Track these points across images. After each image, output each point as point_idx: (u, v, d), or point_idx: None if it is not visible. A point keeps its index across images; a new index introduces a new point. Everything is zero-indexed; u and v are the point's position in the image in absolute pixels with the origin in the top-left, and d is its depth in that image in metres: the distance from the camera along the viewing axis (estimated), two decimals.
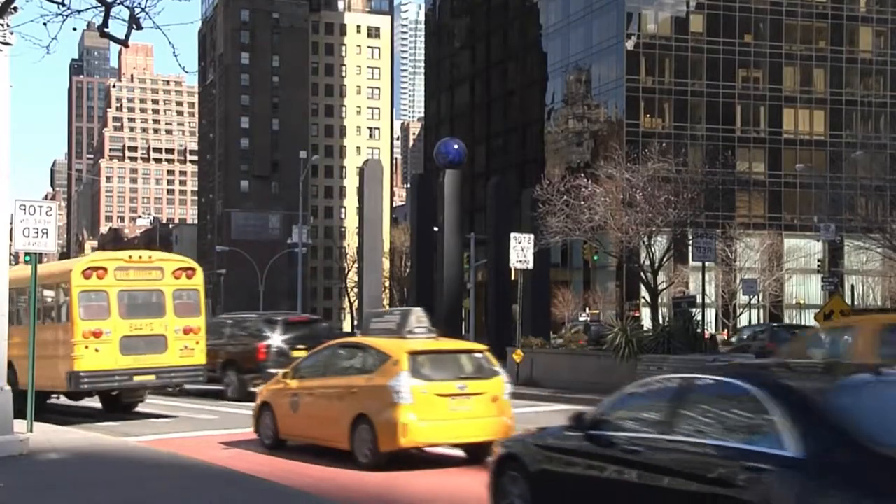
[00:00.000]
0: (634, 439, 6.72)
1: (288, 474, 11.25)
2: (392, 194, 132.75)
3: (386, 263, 79.50)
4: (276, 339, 22.28)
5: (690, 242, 41.42)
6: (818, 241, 55.58)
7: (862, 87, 79.69)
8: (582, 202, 38.99)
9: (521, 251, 27.12)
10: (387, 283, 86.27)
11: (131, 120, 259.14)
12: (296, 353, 19.25)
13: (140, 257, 18.69)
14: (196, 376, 18.78)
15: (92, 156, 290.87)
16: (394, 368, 11.91)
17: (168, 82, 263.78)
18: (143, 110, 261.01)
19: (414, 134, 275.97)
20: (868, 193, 46.24)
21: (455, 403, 11.98)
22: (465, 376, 12.39)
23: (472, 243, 51.93)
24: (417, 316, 13.28)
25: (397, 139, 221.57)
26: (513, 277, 34.78)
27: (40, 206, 14.31)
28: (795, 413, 5.76)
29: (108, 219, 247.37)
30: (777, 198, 77.56)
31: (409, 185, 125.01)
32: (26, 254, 15.56)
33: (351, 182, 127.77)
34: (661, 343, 26.28)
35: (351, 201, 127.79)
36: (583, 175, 44.50)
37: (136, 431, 16.04)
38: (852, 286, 58.62)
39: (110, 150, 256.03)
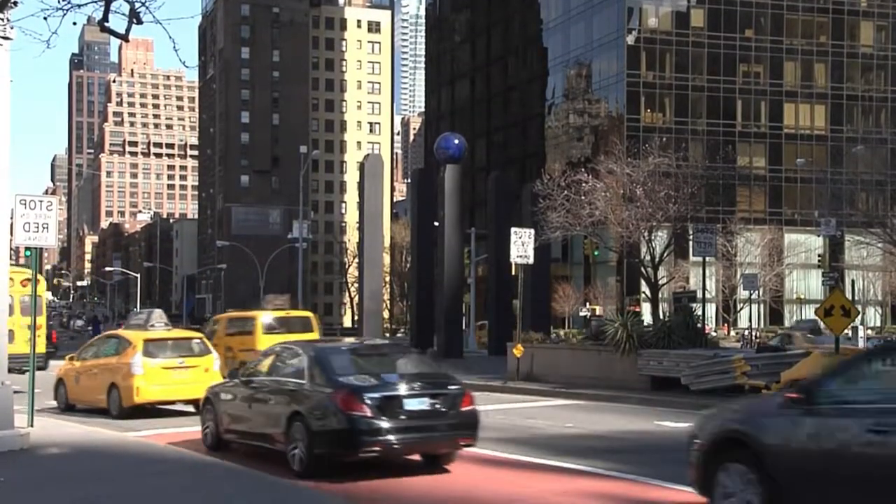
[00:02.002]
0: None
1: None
2: (392, 189, 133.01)
3: (386, 258, 79.64)
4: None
5: (691, 237, 41.59)
6: (819, 236, 55.74)
7: (863, 82, 79.57)
8: (582, 197, 38.70)
9: (522, 246, 26.95)
10: (387, 278, 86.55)
11: (132, 115, 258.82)
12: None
13: None
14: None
15: (92, 151, 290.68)
16: (132, 351, 17.70)
17: (168, 77, 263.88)
18: (143, 105, 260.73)
19: (414, 129, 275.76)
20: (869, 188, 45.91)
21: (176, 374, 17.69)
22: (184, 355, 18.18)
23: (472, 238, 51.90)
24: (157, 315, 19.70)
25: (398, 134, 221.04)
26: (513, 272, 35.22)
27: (40, 201, 14.38)
28: (310, 363, 11.52)
29: (109, 214, 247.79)
30: (777, 193, 77.45)
31: (409, 180, 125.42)
32: (26, 248, 15.86)
33: (351, 177, 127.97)
34: (661, 338, 26.32)
35: (351, 196, 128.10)
36: (583, 170, 44.13)
37: (137, 426, 16.03)
38: (853, 281, 58.32)
39: (110, 145, 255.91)
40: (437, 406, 11.02)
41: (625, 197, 38.96)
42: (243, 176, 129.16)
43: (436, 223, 46.74)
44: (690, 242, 42.34)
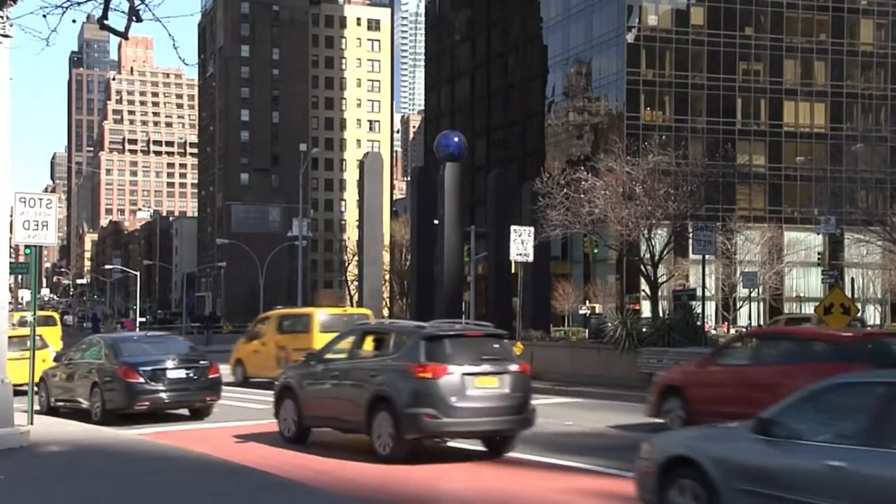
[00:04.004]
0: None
1: (294, 468, 11.26)
2: (392, 187, 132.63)
3: (386, 256, 79.46)
4: None
5: (690, 235, 41.65)
6: (818, 233, 55.72)
7: (863, 80, 79.59)
8: (582, 195, 38.73)
9: (522, 244, 27.09)
10: (387, 276, 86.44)
11: (131, 113, 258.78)
12: None
13: None
14: None
15: (92, 149, 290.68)
16: None
17: (168, 75, 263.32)
18: (143, 103, 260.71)
19: (414, 127, 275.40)
20: (868, 186, 45.67)
21: (20, 364, 18.02)
22: (26, 349, 18.28)
23: (472, 236, 51.96)
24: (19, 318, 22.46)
25: (397, 132, 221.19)
26: (513, 270, 34.67)
27: (40, 199, 14.40)
28: (106, 349, 17.10)
29: (108, 212, 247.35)
30: (777, 191, 77.49)
31: (409, 178, 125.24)
32: (26, 246, 15.98)
33: (351, 175, 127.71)
34: (661, 336, 26.27)
35: (351, 194, 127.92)
36: (583, 168, 44.02)
37: (138, 424, 16.12)
38: (852, 279, 58.39)
39: (110, 142, 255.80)
40: (191, 375, 17.04)
41: (624, 195, 38.79)
42: (243, 174, 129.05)
43: (435, 221, 46.82)
44: (690, 240, 42.50)
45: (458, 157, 47.54)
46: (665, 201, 36.91)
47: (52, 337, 31.02)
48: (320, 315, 25.01)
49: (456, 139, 48.37)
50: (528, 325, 38.05)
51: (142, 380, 16.38)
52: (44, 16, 10.25)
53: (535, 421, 12.36)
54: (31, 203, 14.19)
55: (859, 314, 48.67)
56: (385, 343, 13.06)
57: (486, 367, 12.00)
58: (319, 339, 21.56)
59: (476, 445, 12.63)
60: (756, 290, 58.96)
